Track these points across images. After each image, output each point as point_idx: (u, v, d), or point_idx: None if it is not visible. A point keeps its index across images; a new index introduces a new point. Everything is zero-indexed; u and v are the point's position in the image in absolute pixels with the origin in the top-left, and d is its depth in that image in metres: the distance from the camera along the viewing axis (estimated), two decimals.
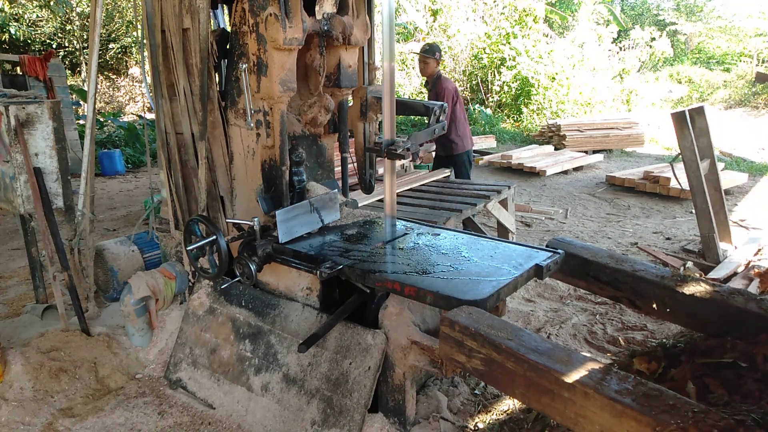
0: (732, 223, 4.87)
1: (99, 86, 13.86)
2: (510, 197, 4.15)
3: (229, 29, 2.63)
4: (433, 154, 5.58)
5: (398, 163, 3.98)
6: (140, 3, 2.71)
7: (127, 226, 5.55)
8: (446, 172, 4.71)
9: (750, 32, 18.29)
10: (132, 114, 13.90)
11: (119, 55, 15.16)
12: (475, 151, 9.60)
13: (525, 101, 13.43)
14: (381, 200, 3.40)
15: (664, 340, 2.44)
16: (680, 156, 4.31)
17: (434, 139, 4.42)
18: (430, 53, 4.82)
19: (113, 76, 15.80)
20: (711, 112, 7.44)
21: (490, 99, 14.16)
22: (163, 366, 2.80)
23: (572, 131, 9.92)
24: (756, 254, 4.23)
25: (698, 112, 4.39)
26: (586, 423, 1.41)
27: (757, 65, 16.97)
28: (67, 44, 13.84)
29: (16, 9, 12.16)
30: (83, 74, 13.45)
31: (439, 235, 2.43)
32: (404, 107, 2.97)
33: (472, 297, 1.79)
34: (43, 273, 3.28)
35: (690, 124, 4.20)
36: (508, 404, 2.37)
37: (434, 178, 4.51)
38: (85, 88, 6.95)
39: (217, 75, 2.62)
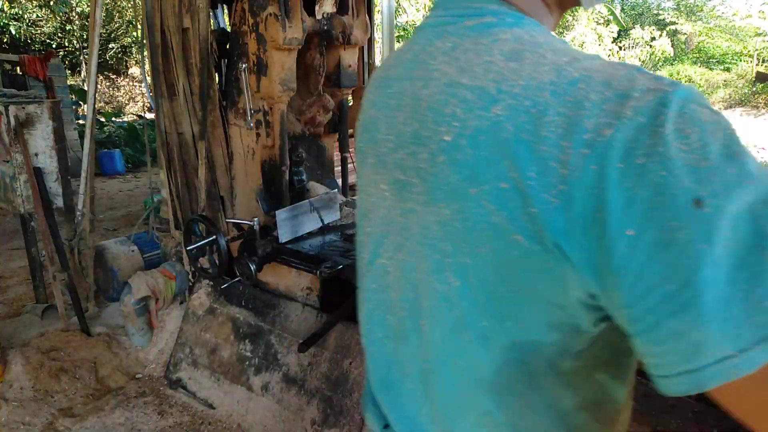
0: None
1: (99, 86, 13.86)
2: None
3: (229, 29, 2.63)
4: None
5: None
6: (140, 3, 2.71)
7: (127, 226, 5.55)
8: None
9: (750, 32, 18.28)
10: (132, 114, 13.90)
11: (119, 55, 15.15)
12: None
13: None
14: None
15: None
16: None
17: None
18: None
19: (113, 76, 15.79)
20: None
21: None
22: (163, 366, 2.80)
23: None
24: None
25: None
26: None
27: (757, 65, 16.97)
28: (67, 44, 13.84)
29: (16, 9, 12.16)
30: (83, 74, 13.46)
31: None
32: None
33: None
34: (43, 273, 3.28)
35: None
36: None
37: None
38: (85, 88, 6.95)
39: (217, 75, 2.62)
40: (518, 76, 0.46)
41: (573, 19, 16.65)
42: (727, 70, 17.37)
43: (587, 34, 15.35)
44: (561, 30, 16.81)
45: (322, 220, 2.46)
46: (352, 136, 2.97)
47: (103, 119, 10.64)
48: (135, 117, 12.83)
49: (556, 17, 0.59)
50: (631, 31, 18.88)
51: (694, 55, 19.73)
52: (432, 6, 0.65)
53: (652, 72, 0.45)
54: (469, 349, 0.54)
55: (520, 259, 0.46)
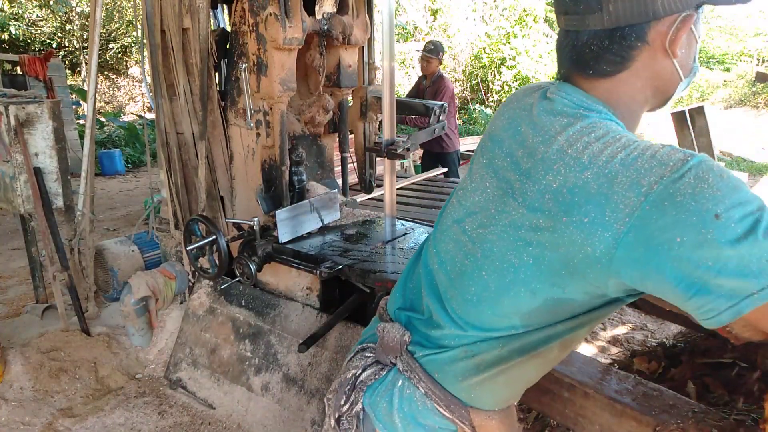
0: None
1: (99, 86, 13.84)
2: None
3: (229, 29, 2.63)
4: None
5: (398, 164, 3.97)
6: (140, 3, 2.71)
7: (127, 225, 5.55)
8: (443, 171, 4.72)
9: (750, 32, 18.28)
10: (132, 114, 13.89)
11: (119, 55, 15.14)
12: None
13: None
14: (381, 199, 3.40)
15: (664, 340, 2.44)
16: None
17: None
18: (434, 53, 4.75)
19: (113, 76, 15.77)
20: (711, 111, 7.41)
21: (490, 99, 14.16)
22: (163, 366, 2.81)
23: None
24: None
25: (698, 112, 4.40)
26: (586, 423, 1.41)
27: (757, 65, 16.96)
28: (67, 44, 13.83)
29: (16, 8, 12.16)
30: (83, 74, 13.45)
31: None
32: (404, 107, 2.97)
33: None
34: (43, 273, 3.28)
35: (690, 123, 4.21)
36: None
37: (431, 174, 4.52)
38: (85, 88, 6.94)
39: (217, 75, 2.62)
40: (602, 154, 0.76)
41: None
42: (727, 70, 17.36)
43: None
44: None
45: (322, 220, 2.46)
46: (352, 133, 2.97)
47: (103, 119, 10.63)
48: (135, 117, 12.82)
49: (638, 120, 0.91)
50: None
51: None
52: (557, 87, 0.91)
53: (681, 148, 0.73)
54: (517, 296, 0.84)
55: (584, 259, 0.75)
